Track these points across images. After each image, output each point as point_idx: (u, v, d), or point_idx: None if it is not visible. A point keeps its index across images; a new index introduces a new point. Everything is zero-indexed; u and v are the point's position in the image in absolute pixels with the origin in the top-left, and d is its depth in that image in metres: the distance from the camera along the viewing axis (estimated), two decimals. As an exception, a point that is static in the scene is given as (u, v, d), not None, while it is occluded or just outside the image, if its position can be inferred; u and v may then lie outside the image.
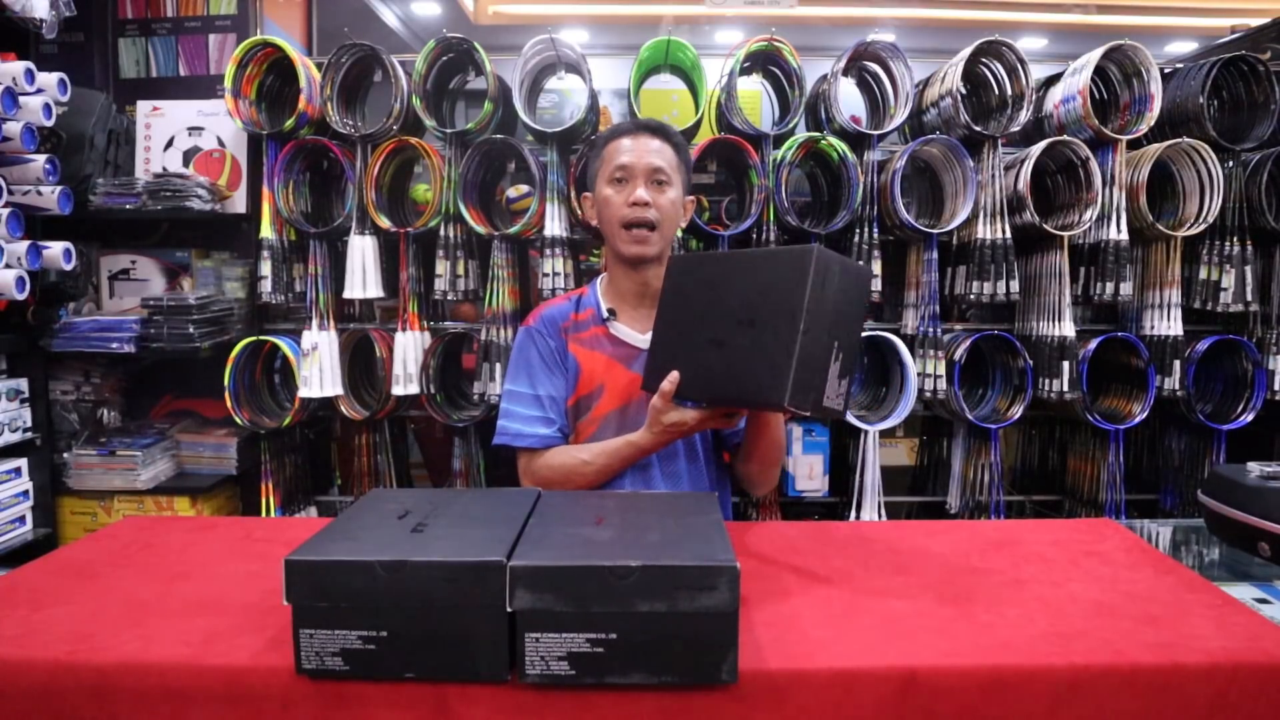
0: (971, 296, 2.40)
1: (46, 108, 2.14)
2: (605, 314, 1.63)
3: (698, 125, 2.49)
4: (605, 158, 1.61)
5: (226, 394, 2.39)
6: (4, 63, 2.11)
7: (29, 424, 2.38)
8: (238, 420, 2.43)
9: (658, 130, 1.62)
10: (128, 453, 2.44)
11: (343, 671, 0.87)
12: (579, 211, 2.40)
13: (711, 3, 3.21)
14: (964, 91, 2.50)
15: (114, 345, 2.37)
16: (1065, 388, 2.37)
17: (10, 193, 2.13)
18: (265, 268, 2.40)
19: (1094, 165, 2.35)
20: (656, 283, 1.61)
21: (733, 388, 1.29)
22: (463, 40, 2.36)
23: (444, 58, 2.45)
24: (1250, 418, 2.46)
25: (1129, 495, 2.51)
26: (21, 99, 2.09)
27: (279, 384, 2.61)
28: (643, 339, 1.60)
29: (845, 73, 2.45)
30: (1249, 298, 2.40)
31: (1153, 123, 2.37)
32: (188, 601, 1.06)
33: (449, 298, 2.44)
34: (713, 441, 1.67)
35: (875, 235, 2.41)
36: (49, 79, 2.18)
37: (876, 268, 2.41)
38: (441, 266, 2.40)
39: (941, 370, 2.39)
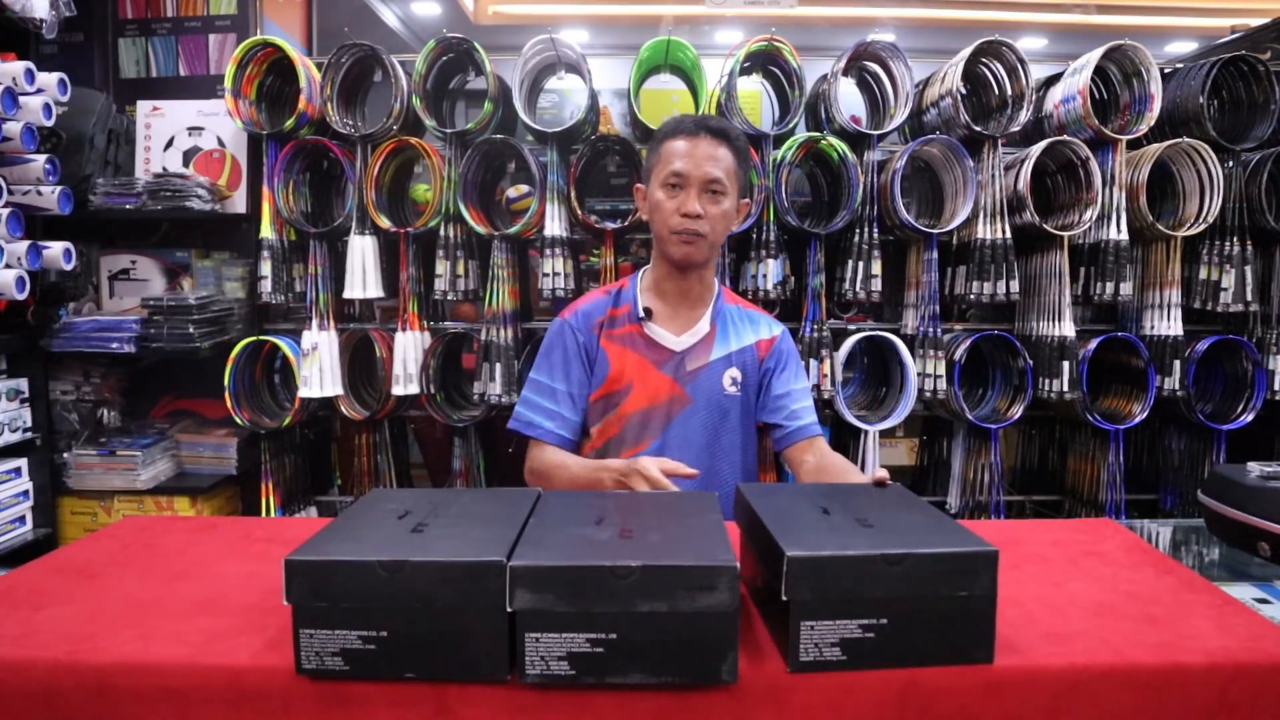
0: (971, 296, 2.40)
1: (46, 108, 2.14)
2: (641, 314, 1.62)
3: (698, 125, 2.48)
4: (662, 157, 1.56)
5: (226, 394, 2.39)
6: (4, 63, 2.11)
7: (29, 424, 2.38)
8: (238, 420, 2.42)
9: (719, 133, 1.55)
10: (128, 453, 2.44)
11: (343, 671, 0.87)
12: (578, 213, 2.41)
13: (711, 3, 3.21)
14: (964, 91, 2.50)
15: (114, 345, 2.37)
16: (1065, 388, 2.37)
17: (10, 193, 2.13)
18: (265, 268, 2.40)
19: (1094, 165, 2.35)
20: (699, 287, 1.62)
21: None
22: (463, 40, 2.36)
23: (444, 58, 2.45)
24: (1250, 418, 2.46)
25: (1129, 495, 2.51)
26: (21, 99, 2.09)
27: (279, 384, 2.61)
28: (676, 341, 1.61)
29: (845, 73, 2.45)
30: (1249, 298, 2.40)
31: (1153, 123, 2.37)
32: (188, 601, 1.06)
33: (449, 298, 2.44)
34: (755, 441, 1.69)
35: (875, 235, 2.40)
36: (49, 79, 2.18)
37: (876, 268, 2.41)
38: (441, 266, 2.39)
39: (941, 370, 2.39)
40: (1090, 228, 2.39)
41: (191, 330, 2.35)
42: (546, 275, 2.38)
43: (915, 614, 0.88)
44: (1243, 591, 1.23)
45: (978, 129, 2.36)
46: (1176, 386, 2.42)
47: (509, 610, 0.85)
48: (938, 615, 0.89)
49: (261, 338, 2.46)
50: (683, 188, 1.53)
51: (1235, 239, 2.41)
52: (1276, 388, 2.45)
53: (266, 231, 2.40)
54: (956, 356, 2.43)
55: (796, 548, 0.88)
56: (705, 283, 1.64)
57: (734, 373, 1.63)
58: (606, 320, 1.65)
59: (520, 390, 1.71)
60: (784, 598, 0.87)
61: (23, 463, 2.36)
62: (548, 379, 1.63)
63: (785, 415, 1.63)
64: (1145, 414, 2.43)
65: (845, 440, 2.59)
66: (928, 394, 2.42)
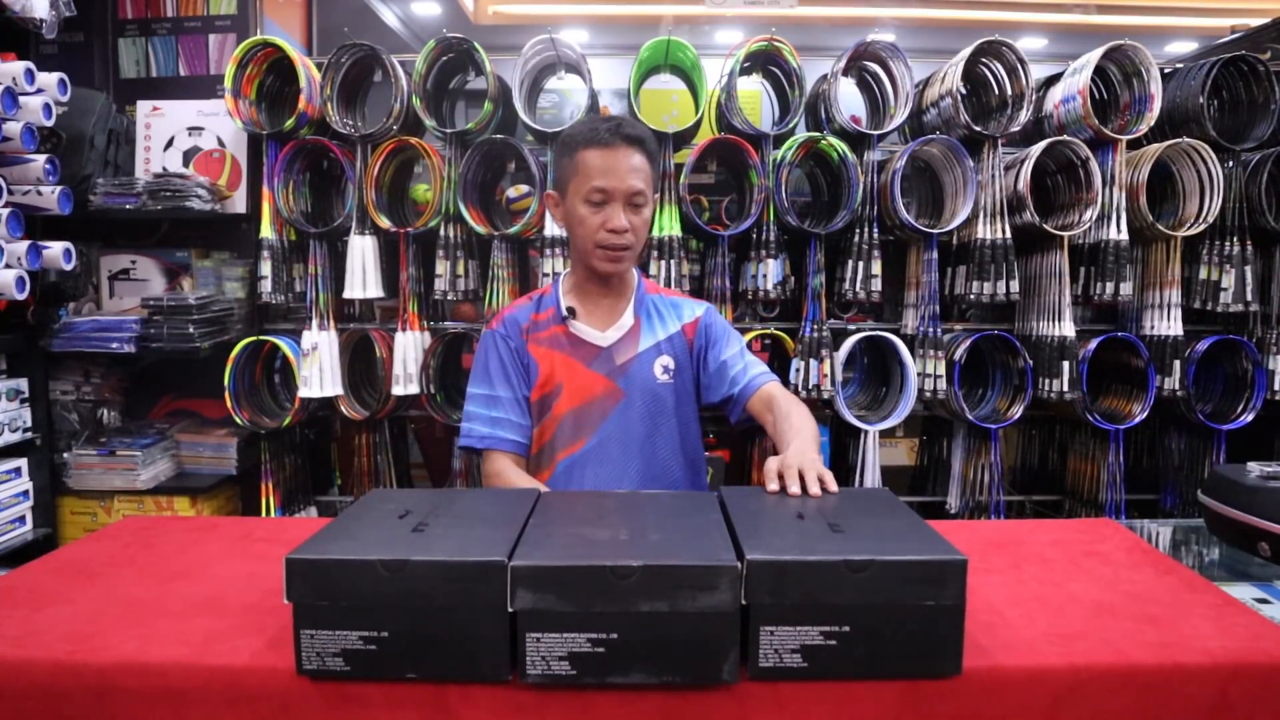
0: (971, 296, 2.40)
1: (46, 108, 2.14)
2: (564, 313, 1.62)
3: (698, 125, 2.48)
4: (580, 169, 1.53)
5: (226, 394, 2.39)
6: (4, 63, 2.11)
7: (29, 424, 2.38)
8: (238, 420, 2.42)
9: (635, 140, 1.54)
10: (128, 453, 2.43)
11: (343, 672, 0.87)
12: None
13: (711, 3, 3.21)
14: (964, 91, 2.50)
15: (114, 345, 2.37)
16: (1065, 388, 2.37)
17: (10, 193, 2.13)
18: (265, 268, 2.40)
19: (1094, 165, 2.35)
20: (620, 285, 1.65)
21: None
22: (463, 40, 2.36)
23: (444, 58, 2.45)
24: (1250, 418, 2.46)
25: (1129, 495, 2.51)
26: (21, 99, 2.09)
27: (279, 384, 2.61)
28: (602, 336, 1.61)
29: (845, 73, 2.45)
30: (1249, 298, 2.40)
31: (1153, 123, 2.37)
32: (188, 601, 1.06)
33: (449, 298, 2.44)
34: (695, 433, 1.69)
35: (875, 235, 2.40)
36: (49, 79, 2.18)
37: (876, 268, 2.41)
38: (441, 266, 2.40)
39: (941, 370, 2.39)
40: (1090, 228, 2.39)
41: (191, 330, 2.35)
42: (546, 275, 2.38)
43: (880, 622, 0.86)
44: (1243, 591, 1.23)
45: (978, 129, 2.36)
46: (1176, 386, 2.42)
47: (510, 610, 0.85)
48: (904, 624, 0.87)
49: (261, 338, 2.46)
50: (606, 203, 1.52)
51: (1235, 239, 2.41)
52: (1276, 388, 2.45)
53: (266, 231, 2.40)
54: (956, 356, 2.43)
55: (757, 551, 0.87)
56: (626, 280, 1.66)
57: (665, 360, 1.63)
58: (530, 325, 1.65)
59: None
60: (743, 601, 0.86)
61: (23, 463, 2.36)
62: (487, 389, 1.62)
63: (728, 384, 1.62)
64: (1145, 414, 2.43)
65: (845, 440, 2.59)
66: (928, 394, 2.42)
